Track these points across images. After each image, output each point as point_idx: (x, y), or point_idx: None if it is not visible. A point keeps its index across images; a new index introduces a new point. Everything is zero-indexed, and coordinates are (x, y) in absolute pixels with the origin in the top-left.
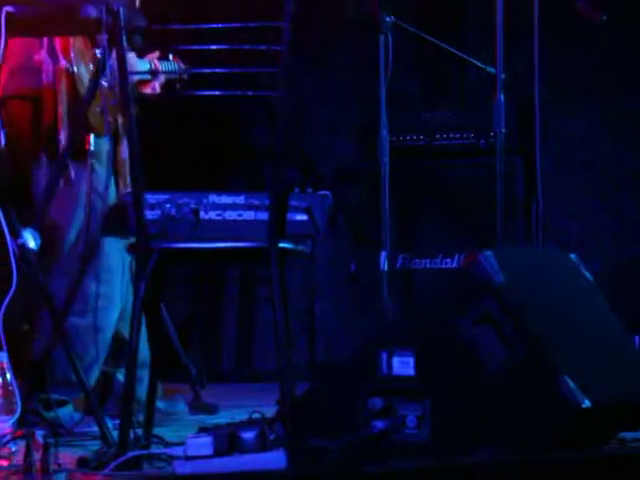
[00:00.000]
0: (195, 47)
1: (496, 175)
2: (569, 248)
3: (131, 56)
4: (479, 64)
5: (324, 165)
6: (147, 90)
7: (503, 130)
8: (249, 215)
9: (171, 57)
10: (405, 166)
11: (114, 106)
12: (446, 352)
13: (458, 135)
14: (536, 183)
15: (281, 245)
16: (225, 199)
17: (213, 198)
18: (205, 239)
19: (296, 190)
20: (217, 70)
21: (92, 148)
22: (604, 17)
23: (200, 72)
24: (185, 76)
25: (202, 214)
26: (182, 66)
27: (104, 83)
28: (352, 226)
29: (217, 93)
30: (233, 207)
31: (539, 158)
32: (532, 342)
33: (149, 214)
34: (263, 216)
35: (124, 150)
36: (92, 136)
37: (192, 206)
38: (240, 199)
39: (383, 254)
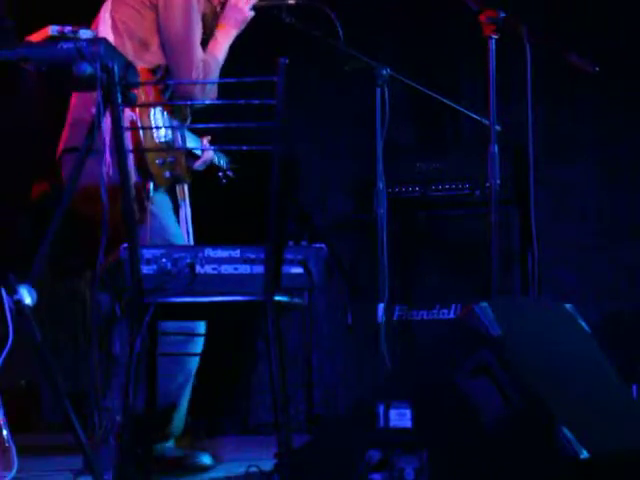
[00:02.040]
0: (189, 102)
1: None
2: (565, 298)
3: (187, 133)
4: (474, 115)
5: (319, 217)
6: (196, 163)
7: (498, 181)
8: (245, 269)
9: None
10: (401, 217)
11: (171, 163)
12: (443, 404)
13: (453, 186)
14: (531, 233)
15: (277, 298)
16: (221, 253)
17: (209, 252)
18: (201, 293)
19: (291, 243)
20: (212, 126)
21: (151, 194)
22: (596, 69)
23: (195, 127)
24: (230, 172)
25: (198, 268)
26: (228, 163)
27: (162, 139)
28: (348, 278)
29: (213, 148)
30: (229, 261)
31: (534, 208)
32: (529, 393)
33: (145, 269)
34: (259, 270)
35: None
36: (151, 184)
37: (188, 260)
38: (236, 253)
39: (380, 306)
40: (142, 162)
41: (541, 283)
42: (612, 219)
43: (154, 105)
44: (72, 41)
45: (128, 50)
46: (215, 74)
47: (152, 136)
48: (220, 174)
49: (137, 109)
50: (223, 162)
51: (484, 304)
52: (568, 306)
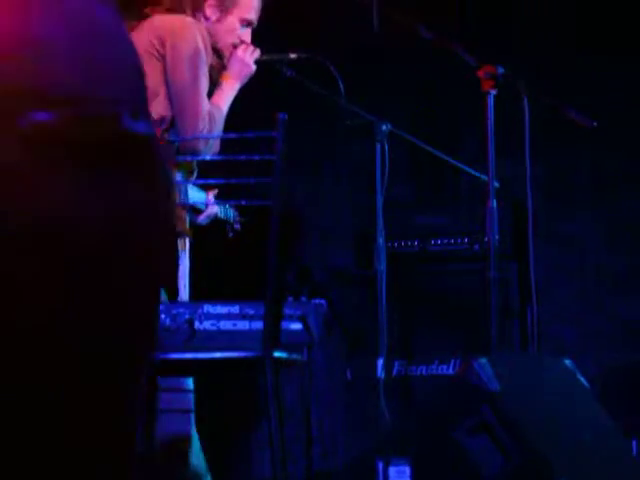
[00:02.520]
0: (190, 158)
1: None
2: (565, 353)
3: (191, 187)
4: (472, 171)
5: (319, 271)
6: (200, 218)
7: (496, 236)
8: (244, 325)
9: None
10: (400, 272)
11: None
12: (442, 460)
13: (452, 241)
14: (530, 288)
15: (276, 354)
16: (220, 309)
17: (208, 308)
18: (200, 349)
19: (290, 299)
20: (211, 182)
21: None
22: (594, 124)
23: (195, 183)
24: (237, 226)
25: (197, 324)
26: (236, 216)
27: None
28: (348, 333)
29: (213, 202)
30: (228, 317)
31: (533, 263)
32: (528, 449)
33: None
34: (258, 325)
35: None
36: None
37: (187, 316)
38: (235, 309)
39: (379, 361)
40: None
41: (540, 338)
42: (611, 274)
43: None
44: None
45: None
46: (220, 127)
47: None
48: (227, 227)
49: None
50: (231, 215)
51: (483, 360)
52: (567, 361)
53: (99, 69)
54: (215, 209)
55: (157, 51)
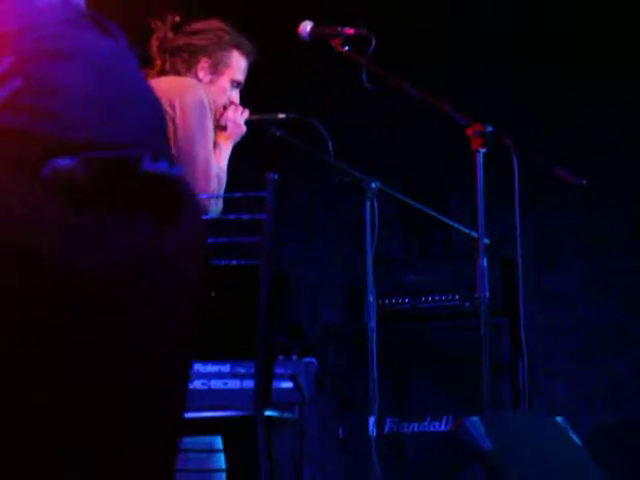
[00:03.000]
0: None
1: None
2: (557, 409)
3: None
4: (462, 228)
5: (310, 328)
6: None
7: (487, 294)
8: (235, 383)
9: None
10: (391, 329)
11: None
12: None
13: (443, 297)
14: (521, 344)
15: (267, 413)
16: (210, 368)
17: (198, 367)
18: (191, 409)
19: (281, 357)
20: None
21: None
22: (584, 181)
23: None
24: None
25: None
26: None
27: None
28: (339, 391)
29: None
30: (218, 376)
31: (523, 319)
32: None
33: None
34: (249, 384)
35: None
36: None
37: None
38: (225, 368)
39: (371, 418)
40: None
41: (532, 394)
42: (602, 330)
43: None
44: None
45: None
46: (224, 187)
47: None
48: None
49: None
50: None
51: (475, 418)
52: (559, 419)
53: (117, 113)
54: None
55: (167, 114)
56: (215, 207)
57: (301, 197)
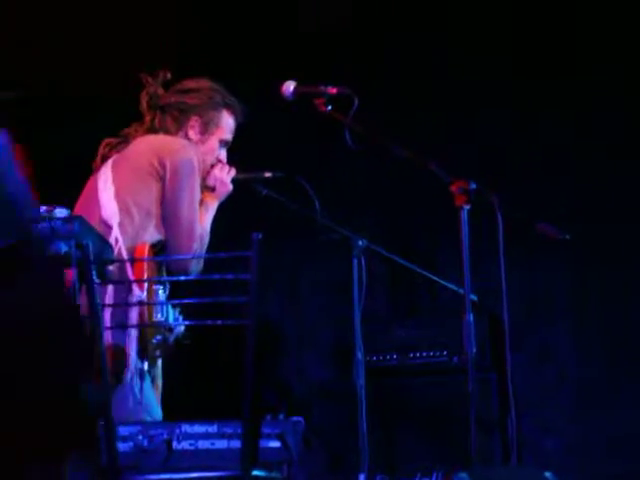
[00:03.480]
0: (165, 279)
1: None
2: (546, 465)
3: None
4: (448, 285)
5: (298, 386)
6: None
7: (474, 350)
8: (222, 444)
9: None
10: (379, 385)
11: (160, 341)
12: None
13: (431, 353)
14: (509, 399)
15: (254, 473)
16: (197, 428)
17: (185, 428)
18: (178, 469)
19: (268, 417)
20: (187, 301)
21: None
22: (567, 236)
23: (170, 303)
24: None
25: (175, 444)
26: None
27: (159, 317)
28: (328, 449)
29: (190, 323)
30: (206, 436)
31: (510, 374)
32: None
33: (121, 446)
34: (236, 444)
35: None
36: (146, 363)
37: (164, 437)
38: (213, 428)
39: (361, 476)
40: (143, 342)
41: (521, 450)
42: (590, 385)
43: (136, 281)
44: (47, 220)
45: (136, 221)
46: (206, 247)
47: (153, 315)
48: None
49: (145, 289)
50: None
51: (464, 474)
52: (548, 474)
53: None
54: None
55: (157, 171)
56: (196, 267)
57: (288, 255)
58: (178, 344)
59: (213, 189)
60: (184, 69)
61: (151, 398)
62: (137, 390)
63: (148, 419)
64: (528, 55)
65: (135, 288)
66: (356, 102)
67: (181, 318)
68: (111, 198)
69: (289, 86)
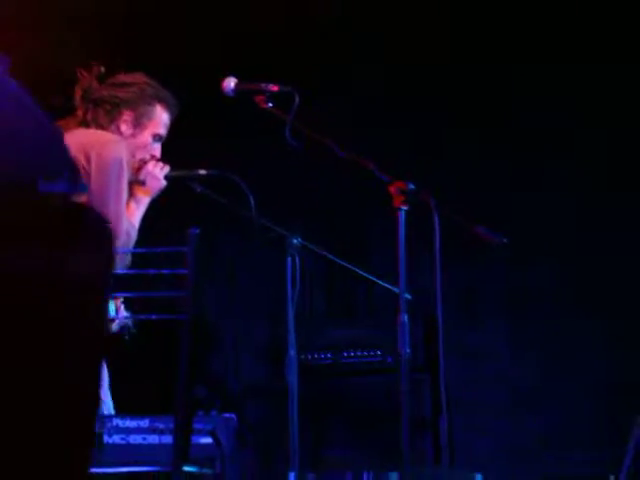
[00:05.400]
0: None
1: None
2: (478, 465)
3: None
4: (384, 284)
5: (232, 383)
6: (113, 327)
7: (408, 350)
8: (153, 439)
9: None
10: (313, 384)
11: None
12: None
13: (365, 353)
14: (441, 399)
15: (185, 469)
16: (129, 423)
17: (117, 422)
18: (108, 464)
19: (201, 413)
20: (123, 294)
21: None
22: (504, 240)
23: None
24: (132, 330)
25: (106, 438)
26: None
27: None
28: (260, 446)
29: (127, 316)
30: (137, 431)
31: (443, 374)
32: None
33: None
34: (167, 440)
35: None
36: None
37: (95, 430)
38: (144, 423)
39: (291, 474)
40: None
41: (453, 450)
42: (523, 386)
43: None
44: None
45: None
46: (133, 242)
47: None
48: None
49: None
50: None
51: (394, 474)
52: (478, 476)
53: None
54: (125, 317)
55: (82, 166)
56: (122, 262)
57: (224, 253)
58: (117, 337)
59: (143, 183)
60: (118, 63)
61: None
62: None
63: None
64: (466, 40)
65: None
66: (297, 99)
67: (123, 309)
68: None
69: (230, 82)
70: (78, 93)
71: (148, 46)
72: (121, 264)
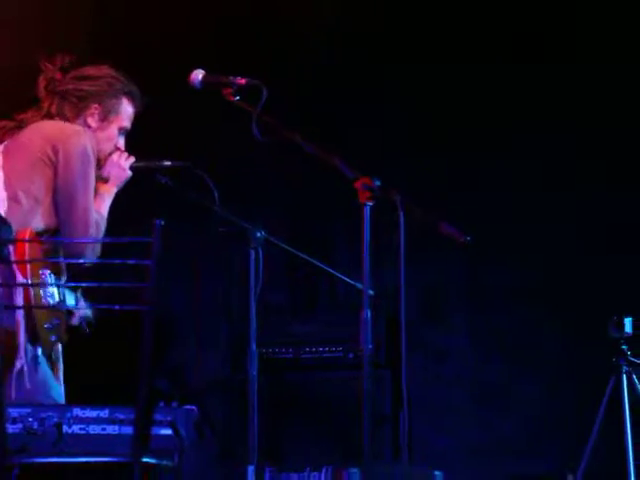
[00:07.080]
0: (69, 260)
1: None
2: (437, 463)
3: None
4: (347, 280)
5: (193, 376)
6: (73, 319)
7: (370, 346)
8: (113, 429)
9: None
10: (273, 378)
11: (57, 325)
12: None
13: (327, 348)
14: (402, 397)
15: (145, 460)
16: (89, 413)
17: (77, 412)
18: (67, 454)
19: (161, 404)
20: (87, 284)
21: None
22: (468, 239)
23: (68, 285)
24: (92, 321)
25: (65, 428)
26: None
27: (49, 301)
28: (219, 439)
29: (88, 306)
30: (97, 421)
31: (405, 372)
32: None
33: (10, 428)
34: (127, 430)
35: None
36: (39, 349)
37: (55, 420)
38: (104, 413)
39: (250, 468)
40: (32, 326)
41: (412, 448)
42: (485, 385)
43: (31, 261)
44: None
45: (24, 209)
46: (103, 233)
47: (41, 299)
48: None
49: (28, 272)
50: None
51: (354, 470)
52: (437, 473)
53: None
54: (86, 309)
55: (49, 158)
56: (92, 253)
57: (187, 245)
58: (78, 329)
59: (107, 180)
60: (83, 54)
61: (49, 383)
62: (27, 376)
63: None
64: (429, 39)
65: (18, 274)
66: (265, 93)
67: (82, 301)
68: (0, 186)
69: (197, 75)
70: (42, 85)
71: (114, 36)
72: (92, 255)
